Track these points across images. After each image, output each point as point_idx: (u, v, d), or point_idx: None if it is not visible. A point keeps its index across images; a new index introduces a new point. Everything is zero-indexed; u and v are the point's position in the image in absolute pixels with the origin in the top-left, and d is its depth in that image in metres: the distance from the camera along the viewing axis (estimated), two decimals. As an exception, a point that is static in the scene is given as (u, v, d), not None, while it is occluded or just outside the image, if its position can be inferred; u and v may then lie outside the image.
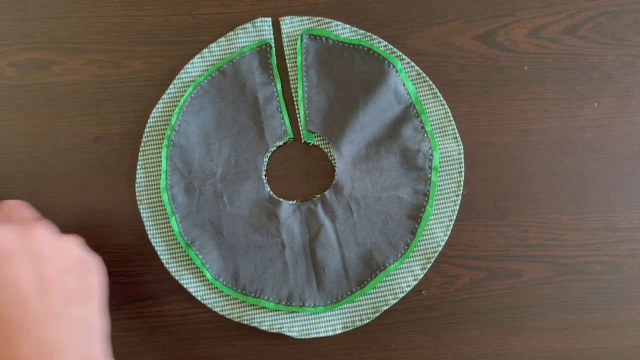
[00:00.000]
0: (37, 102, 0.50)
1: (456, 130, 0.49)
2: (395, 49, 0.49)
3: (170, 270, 0.47)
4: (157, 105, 0.49)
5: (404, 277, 0.47)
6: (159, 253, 0.48)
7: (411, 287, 0.47)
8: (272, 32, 0.50)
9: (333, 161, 0.49)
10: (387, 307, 0.47)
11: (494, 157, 0.49)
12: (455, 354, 0.48)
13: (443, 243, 0.48)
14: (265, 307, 0.47)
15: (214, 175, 0.48)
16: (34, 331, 0.34)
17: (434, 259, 0.47)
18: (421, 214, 0.47)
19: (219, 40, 0.50)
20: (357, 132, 0.48)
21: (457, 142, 0.49)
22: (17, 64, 0.50)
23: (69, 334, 0.35)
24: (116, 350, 0.48)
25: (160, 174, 0.48)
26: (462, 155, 0.48)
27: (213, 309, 0.47)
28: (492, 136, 0.49)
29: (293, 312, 0.47)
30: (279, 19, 0.50)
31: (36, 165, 0.49)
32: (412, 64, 0.49)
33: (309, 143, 0.50)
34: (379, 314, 0.47)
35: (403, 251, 0.47)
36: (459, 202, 0.48)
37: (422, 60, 0.50)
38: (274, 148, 0.49)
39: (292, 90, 0.50)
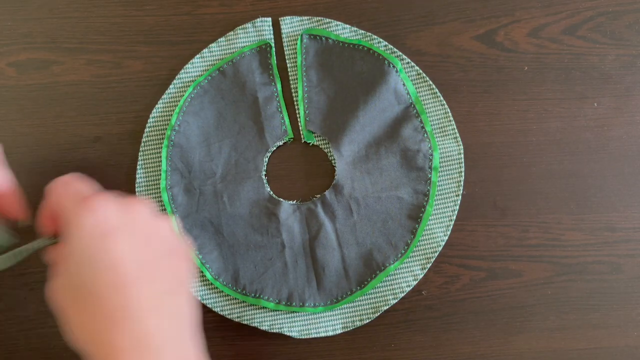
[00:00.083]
0: (37, 102, 0.50)
1: (456, 130, 0.49)
2: (395, 49, 0.49)
3: (170, 270, 0.47)
4: (157, 105, 0.49)
5: (404, 277, 0.47)
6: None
7: (411, 287, 0.47)
8: (272, 32, 0.50)
9: (333, 161, 0.49)
10: (387, 307, 0.47)
11: (494, 157, 0.49)
12: (455, 354, 0.48)
13: (443, 243, 0.48)
14: (265, 307, 0.47)
15: (214, 175, 0.48)
16: (134, 321, 0.31)
17: (434, 259, 0.47)
18: (421, 214, 0.47)
19: (219, 40, 0.50)
20: (357, 132, 0.48)
21: (457, 142, 0.49)
22: (17, 64, 0.50)
23: (166, 327, 0.32)
24: (116, 350, 0.48)
25: (160, 174, 0.48)
26: (462, 155, 0.48)
27: (213, 309, 0.47)
28: (492, 136, 0.49)
29: (293, 312, 0.47)
30: (279, 19, 0.50)
31: (36, 165, 0.49)
32: (412, 64, 0.49)
33: (309, 143, 0.50)
34: (379, 314, 0.47)
35: (403, 251, 0.47)
36: (459, 202, 0.48)
37: (422, 60, 0.50)
38: (274, 148, 0.49)
39: (292, 90, 0.50)
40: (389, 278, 0.47)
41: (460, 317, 0.48)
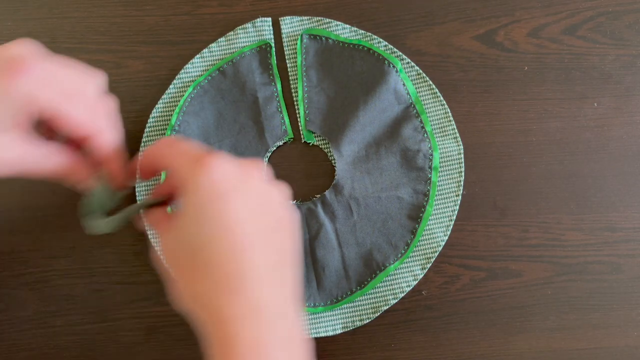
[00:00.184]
0: (37, 102, 0.50)
1: (456, 130, 0.49)
2: (395, 49, 0.49)
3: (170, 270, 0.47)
4: (157, 105, 0.49)
5: (404, 277, 0.47)
6: (159, 253, 0.48)
7: (411, 287, 0.47)
8: (272, 32, 0.50)
9: (333, 161, 0.49)
10: (387, 307, 0.47)
11: (494, 157, 0.49)
12: (455, 354, 0.48)
13: (443, 243, 0.48)
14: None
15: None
16: (248, 289, 0.30)
17: (434, 259, 0.47)
18: (421, 214, 0.47)
19: (219, 40, 0.50)
20: (357, 132, 0.48)
21: (457, 142, 0.49)
22: (17, 64, 0.50)
23: (278, 299, 0.31)
24: (116, 350, 0.48)
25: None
26: (462, 155, 0.48)
27: (213, 309, 0.47)
28: (492, 136, 0.49)
29: (293, 312, 0.47)
30: (279, 19, 0.50)
31: (36, 165, 0.49)
32: (412, 64, 0.49)
33: (309, 143, 0.50)
34: (379, 314, 0.47)
35: (403, 251, 0.47)
36: (459, 202, 0.48)
37: (422, 60, 0.50)
38: (274, 148, 0.49)
39: (292, 90, 0.50)
40: (389, 278, 0.47)
41: (460, 317, 0.48)
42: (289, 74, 0.50)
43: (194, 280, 0.30)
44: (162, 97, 0.49)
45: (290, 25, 0.50)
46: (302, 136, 0.50)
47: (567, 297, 0.48)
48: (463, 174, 0.48)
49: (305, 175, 0.49)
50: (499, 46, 0.50)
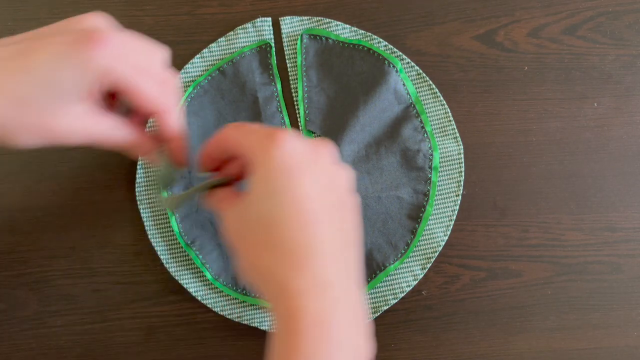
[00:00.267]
0: (37, 102, 0.50)
1: (456, 130, 0.49)
2: (395, 49, 0.49)
3: (170, 270, 0.47)
4: (157, 105, 0.49)
5: (404, 277, 0.47)
6: (159, 253, 0.48)
7: (411, 287, 0.47)
8: (272, 32, 0.50)
9: (333, 161, 0.49)
10: (387, 307, 0.47)
11: (494, 157, 0.49)
12: (455, 354, 0.48)
13: (443, 243, 0.48)
14: (265, 307, 0.47)
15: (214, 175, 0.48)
16: (316, 265, 0.30)
17: (434, 259, 0.47)
18: (421, 214, 0.47)
19: (219, 40, 0.50)
20: (357, 132, 0.48)
21: (457, 142, 0.49)
22: (17, 64, 0.50)
23: (343, 278, 0.31)
24: (116, 350, 0.48)
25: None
26: (462, 155, 0.48)
27: (213, 309, 0.47)
28: (492, 136, 0.49)
29: (293, 312, 0.47)
30: (279, 19, 0.50)
31: (36, 165, 0.49)
32: (412, 64, 0.49)
33: (309, 143, 0.50)
34: (379, 314, 0.47)
35: (403, 251, 0.47)
36: (459, 202, 0.48)
37: (422, 60, 0.50)
38: (274, 148, 0.49)
39: (292, 90, 0.50)
40: (389, 278, 0.47)
41: (460, 317, 0.48)
42: (289, 74, 0.50)
43: (259, 254, 0.31)
44: (162, 97, 0.49)
45: (290, 25, 0.50)
46: (302, 136, 0.50)
47: (567, 297, 0.48)
48: (463, 174, 0.48)
49: (305, 175, 0.49)
50: (499, 46, 0.50)
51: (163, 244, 0.48)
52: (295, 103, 0.50)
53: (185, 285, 0.47)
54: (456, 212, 0.48)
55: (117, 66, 0.31)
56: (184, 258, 0.48)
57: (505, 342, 0.48)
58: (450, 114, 0.49)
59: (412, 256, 0.47)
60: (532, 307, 0.48)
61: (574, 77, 0.50)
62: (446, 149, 0.49)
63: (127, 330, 0.48)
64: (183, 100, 0.49)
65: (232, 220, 0.33)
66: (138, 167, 0.48)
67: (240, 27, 0.50)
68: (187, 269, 0.47)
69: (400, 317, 0.48)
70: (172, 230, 0.48)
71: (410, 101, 0.49)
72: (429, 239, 0.47)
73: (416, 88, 0.49)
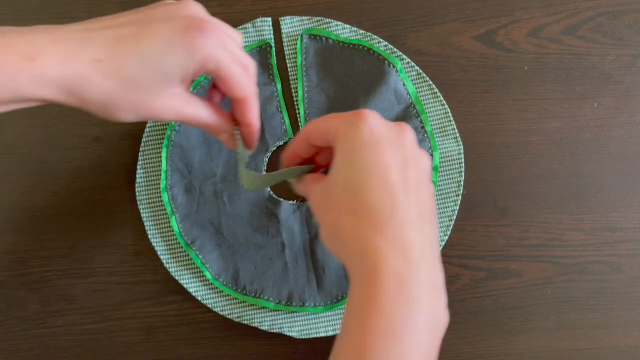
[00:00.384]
0: (37, 102, 0.50)
1: (456, 130, 0.49)
2: (395, 49, 0.49)
3: (170, 270, 0.47)
4: (157, 105, 0.49)
5: (404, 277, 0.47)
6: (159, 253, 0.48)
7: (411, 287, 0.47)
8: (272, 32, 0.50)
9: (333, 161, 0.49)
10: (387, 307, 0.47)
11: (494, 157, 0.49)
12: (455, 354, 0.48)
13: (443, 243, 0.48)
14: (265, 307, 0.47)
15: (214, 175, 0.48)
16: (398, 228, 0.31)
17: (434, 259, 0.47)
18: (421, 214, 0.47)
19: (219, 40, 0.50)
20: (357, 132, 0.48)
21: (457, 142, 0.49)
22: (17, 64, 0.50)
23: (424, 245, 0.32)
24: (116, 350, 0.48)
25: (160, 174, 0.48)
26: (462, 155, 0.48)
27: (213, 309, 0.47)
28: (492, 136, 0.49)
29: (293, 312, 0.47)
30: (279, 19, 0.50)
31: (36, 165, 0.49)
32: (412, 64, 0.49)
33: (309, 143, 0.50)
34: (379, 314, 0.47)
35: (403, 251, 0.47)
36: (459, 202, 0.48)
37: (422, 60, 0.50)
38: (274, 148, 0.49)
39: (292, 90, 0.50)
40: (389, 278, 0.47)
41: (460, 317, 0.48)
42: (289, 73, 0.50)
43: (342, 219, 0.32)
44: (162, 97, 0.49)
45: (290, 25, 0.50)
46: (302, 136, 0.49)
47: (567, 297, 0.48)
48: (463, 174, 0.48)
49: (305, 175, 0.49)
50: (499, 46, 0.50)
51: (163, 244, 0.48)
52: (295, 103, 0.50)
53: (185, 285, 0.47)
54: (456, 212, 0.48)
55: (221, 54, 0.33)
56: (184, 258, 0.48)
57: (505, 342, 0.48)
58: (450, 114, 0.49)
59: (412, 256, 0.47)
60: (532, 307, 0.48)
61: (573, 77, 0.50)
62: (446, 149, 0.49)
63: (127, 330, 0.48)
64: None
65: (318, 194, 0.34)
66: (138, 167, 0.48)
67: (240, 27, 0.50)
68: (187, 269, 0.47)
69: (400, 317, 0.48)
70: (172, 230, 0.48)
71: (410, 101, 0.49)
72: (429, 239, 0.47)
73: (416, 88, 0.49)
